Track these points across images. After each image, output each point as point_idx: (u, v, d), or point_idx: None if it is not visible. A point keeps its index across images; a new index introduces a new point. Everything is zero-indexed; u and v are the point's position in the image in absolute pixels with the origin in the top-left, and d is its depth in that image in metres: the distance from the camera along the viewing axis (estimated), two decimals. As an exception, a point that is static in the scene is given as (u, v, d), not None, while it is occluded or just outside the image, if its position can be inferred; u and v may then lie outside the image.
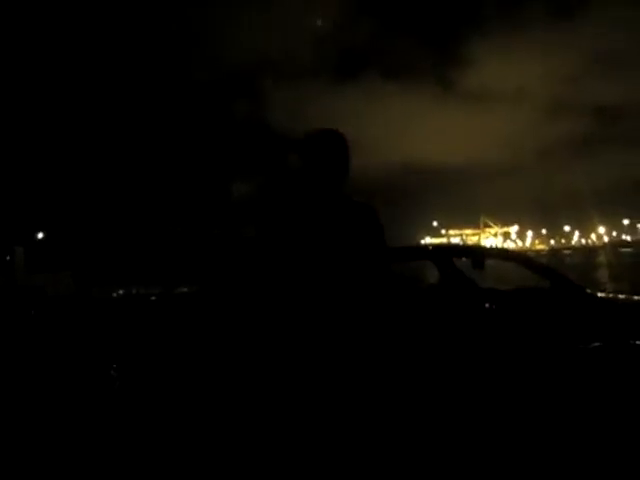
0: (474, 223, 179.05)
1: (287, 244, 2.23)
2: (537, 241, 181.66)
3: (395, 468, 2.95)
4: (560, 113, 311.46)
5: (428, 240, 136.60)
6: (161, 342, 5.14)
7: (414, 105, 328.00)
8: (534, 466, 3.29)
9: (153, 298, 8.54)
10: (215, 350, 4.83)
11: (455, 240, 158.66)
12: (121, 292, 19.24)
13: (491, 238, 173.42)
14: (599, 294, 5.74)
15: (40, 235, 36.27)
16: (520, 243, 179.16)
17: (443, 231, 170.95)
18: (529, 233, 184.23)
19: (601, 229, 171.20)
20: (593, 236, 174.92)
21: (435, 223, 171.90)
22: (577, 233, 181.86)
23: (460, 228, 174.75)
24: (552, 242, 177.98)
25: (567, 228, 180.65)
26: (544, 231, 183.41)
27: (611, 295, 6.52)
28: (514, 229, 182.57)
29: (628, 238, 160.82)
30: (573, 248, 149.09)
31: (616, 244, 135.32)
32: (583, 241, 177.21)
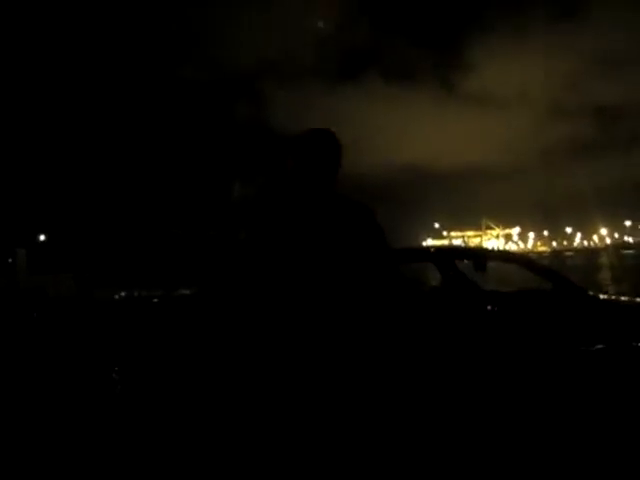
0: (476, 225, 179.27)
1: (276, 245, 2.21)
2: (539, 243, 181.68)
3: (395, 469, 2.94)
4: (561, 115, 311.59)
5: (430, 242, 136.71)
6: (163, 345, 5.13)
7: (415, 107, 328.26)
8: (538, 468, 3.29)
9: (155, 300, 8.54)
10: (217, 353, 4.83)
11: (457, 242, 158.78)
12: (123, 294, 19.24)
13: (493, 240, 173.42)
14: (601, 296, 5.73)
15: (42, 237, 36.31)
16: (522, 245, 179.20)
17: (445, 233, 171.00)
18: (531, 235, 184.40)
19: (603, 231, 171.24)
20: (595, 238, 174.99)
21: (437, 225, 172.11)
22: (579, 235, 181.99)
23: (462, 230, 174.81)
24: (554, 244, 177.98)
25: (569, 230, 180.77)
26: (546, 233, 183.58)
27: (613, 297, 6.51)
28: (516, 231, 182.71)
29: (630, 240, 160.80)
30: (575, 250, 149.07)
31: (618, 246, 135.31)
32: (585, 243, 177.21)
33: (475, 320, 5.05)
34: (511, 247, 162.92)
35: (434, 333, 4.94)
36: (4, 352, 6.52)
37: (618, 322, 5.04)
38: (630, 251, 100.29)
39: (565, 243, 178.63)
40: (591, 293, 5.41)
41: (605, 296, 6.07)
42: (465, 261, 5.95)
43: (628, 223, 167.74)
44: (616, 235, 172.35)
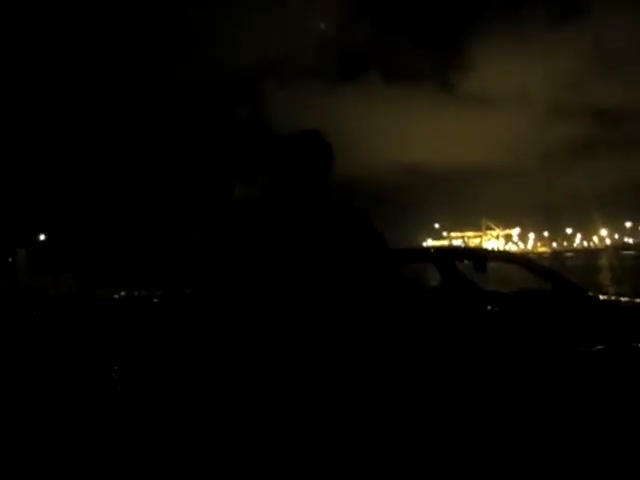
0: (476, 225, 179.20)
1: (268, 247, 2.20)
2: (539, 243, 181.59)
3: (395, 469, 2.94)
4: (562, 116, 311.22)
5: (430, 242, 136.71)
6: (163, 344, 5.13)
7: (415, 107, 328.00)
8: (537, 468, 3.29)
9: (155, 300, 8.53)
10: (217, 352, 4.83)
11: (457, 242, 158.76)
12: (123, 294, 19.22)
13: (493, 240, 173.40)
14: (601, 297, 5.73)
15: (42, 237, 36.31)
16: (522, 245, 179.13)
17: (445, 233, 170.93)
18: (531, 235, 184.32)
19: (603, 232, 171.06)
20: (595, 239, 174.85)
21: (437, 225, 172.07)
22: (579, 236, 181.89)
23: (462, 230, 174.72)
24: (554, 244, 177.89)
25: (569, 230, 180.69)
26: (546, 233, 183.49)
27: (613, 298, 6.51)
28: (516, 231, 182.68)
29: (630, 241, 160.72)
30: (575, 250, 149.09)
31: (618, 247, 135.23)
32: (585, 244, 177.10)
33: (475, 320, 5.05)
34: (511, 248, 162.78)
35: (434, 333, 4.94)
36: (4, 352, 6.51)
37: (618, 323, 5.04)
38: (630, 252, 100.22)
39: (565, 244, 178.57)
40: (591, 294, 5.41)
41: (605, 297, 6.07)
42: (465, 261, 5.95)
43: (628, 224, 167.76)
44: (616, 236, 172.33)
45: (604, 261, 63.02)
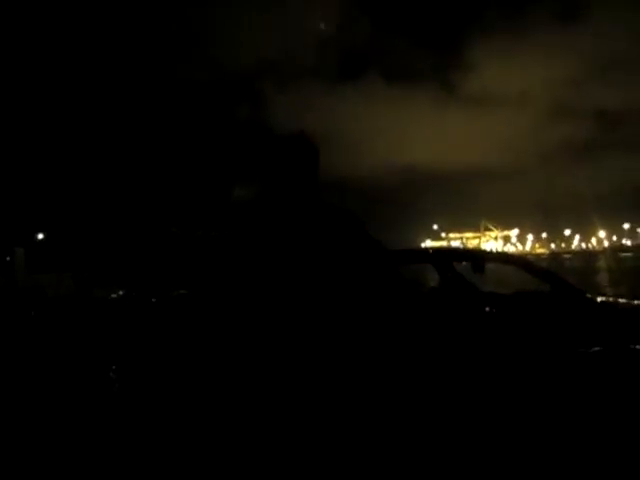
0: (474, 226, 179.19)
1: (263, 247, 2.21)
2: (537, 245, 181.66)
3: (394, 468, 2.95)
4: (561, 117, 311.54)
5: (428, 243, 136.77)
6: (161, 344, 5.13)
7: (415, 108, 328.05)
8: (536, 469, 3.29)
9: (153, 300, 8.53)
10: (215, 352, 4.82)
11: (455, 243, 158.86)
12: (121, 293, 19.18)
13: (491, 241, 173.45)
14: (599, 298, 5.74)
15: (40, 236, 36.27)
16: (520, 247, 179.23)
17: (443, 234, 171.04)
18: (529, 237, 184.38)
19: (601, 233, 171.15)
20: (593, 240, 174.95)
21: (435, 226, 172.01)
22: (577, 237, 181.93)
23: (460, 231, 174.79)
24: (552, 246, 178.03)
25: (567, 232, 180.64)
26: (544, 235, 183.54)
27: (611, 299, 6.52)
28: (514, 233, 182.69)
29: (628, 242, 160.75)
30: (573, 252, 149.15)
31: (616, 248, 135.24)
32: (583, 245, 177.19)
33: (473, 321, 5.06)
34: (509, 249, 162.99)
35: (432, 334, 4.95)
36: (2, 351, 6.51)
37: (616, 324, 5.05)
38: (628, 254, 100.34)
39: (563, 245, 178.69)
40: (589, 295, 5.41)
41: (603, 298, 6.07)
42: (463, 263, 5.95)
43: (626, 226, 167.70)
44: (614, 238, 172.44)
45: (602, 263, 63.02)
